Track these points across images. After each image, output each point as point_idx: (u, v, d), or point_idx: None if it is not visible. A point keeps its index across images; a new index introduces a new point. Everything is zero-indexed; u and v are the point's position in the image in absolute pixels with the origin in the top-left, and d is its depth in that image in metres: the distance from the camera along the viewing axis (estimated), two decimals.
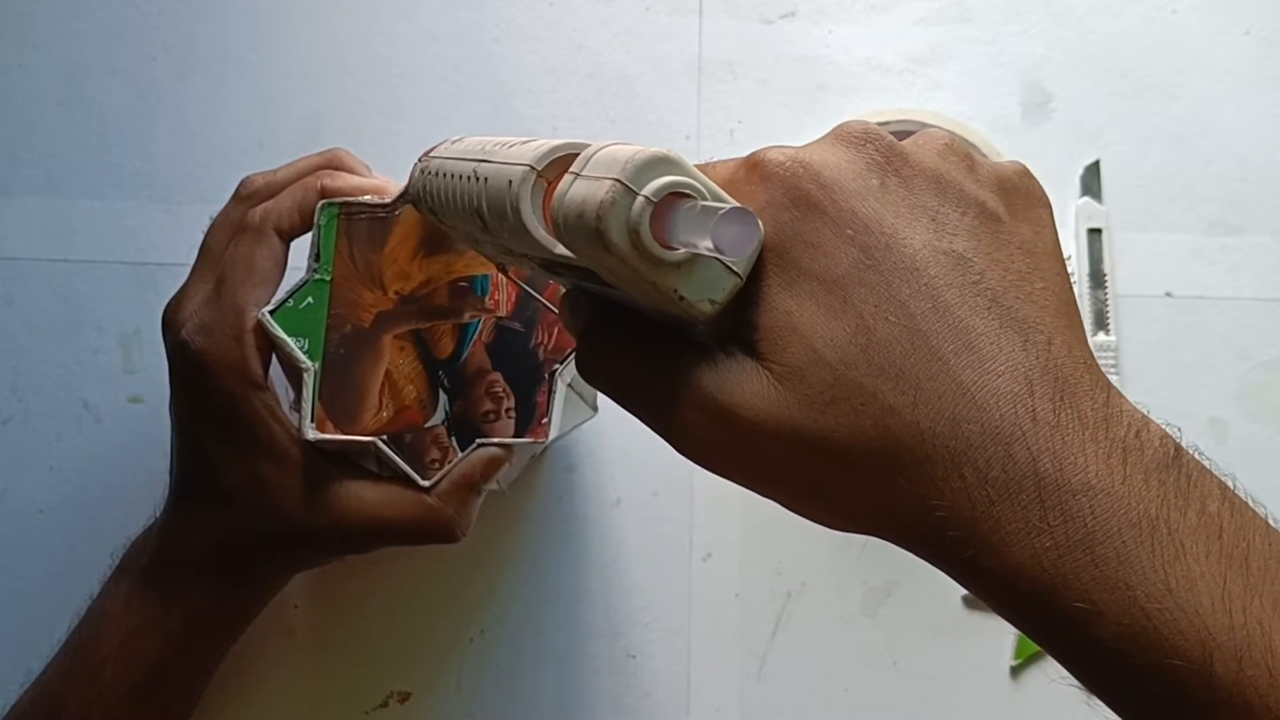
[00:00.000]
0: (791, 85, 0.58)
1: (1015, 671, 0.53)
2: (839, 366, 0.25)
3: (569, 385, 0.45)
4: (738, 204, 0.25)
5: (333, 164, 0.46)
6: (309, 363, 0.42)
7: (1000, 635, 0.53)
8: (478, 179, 0.31)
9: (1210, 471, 0.25)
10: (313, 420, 0.42)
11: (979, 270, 0.26)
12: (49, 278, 0.56)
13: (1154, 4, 0.59)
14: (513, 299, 0.44)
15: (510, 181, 0.29)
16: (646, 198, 0.25)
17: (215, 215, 0.47)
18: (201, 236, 0.46)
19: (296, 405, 0.43)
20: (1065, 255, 0.28)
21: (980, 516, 0.24)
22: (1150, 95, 0.58)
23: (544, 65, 0.59)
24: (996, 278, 0.26)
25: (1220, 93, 0.58)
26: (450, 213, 0.34)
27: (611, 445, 0.55)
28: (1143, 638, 0.22)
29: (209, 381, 0.42)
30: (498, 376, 0.44)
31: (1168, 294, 0.56)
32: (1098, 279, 0.56)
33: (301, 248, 0.45)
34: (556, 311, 0.44)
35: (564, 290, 0.33)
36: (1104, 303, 0.55)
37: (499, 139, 0.32)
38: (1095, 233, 0.56)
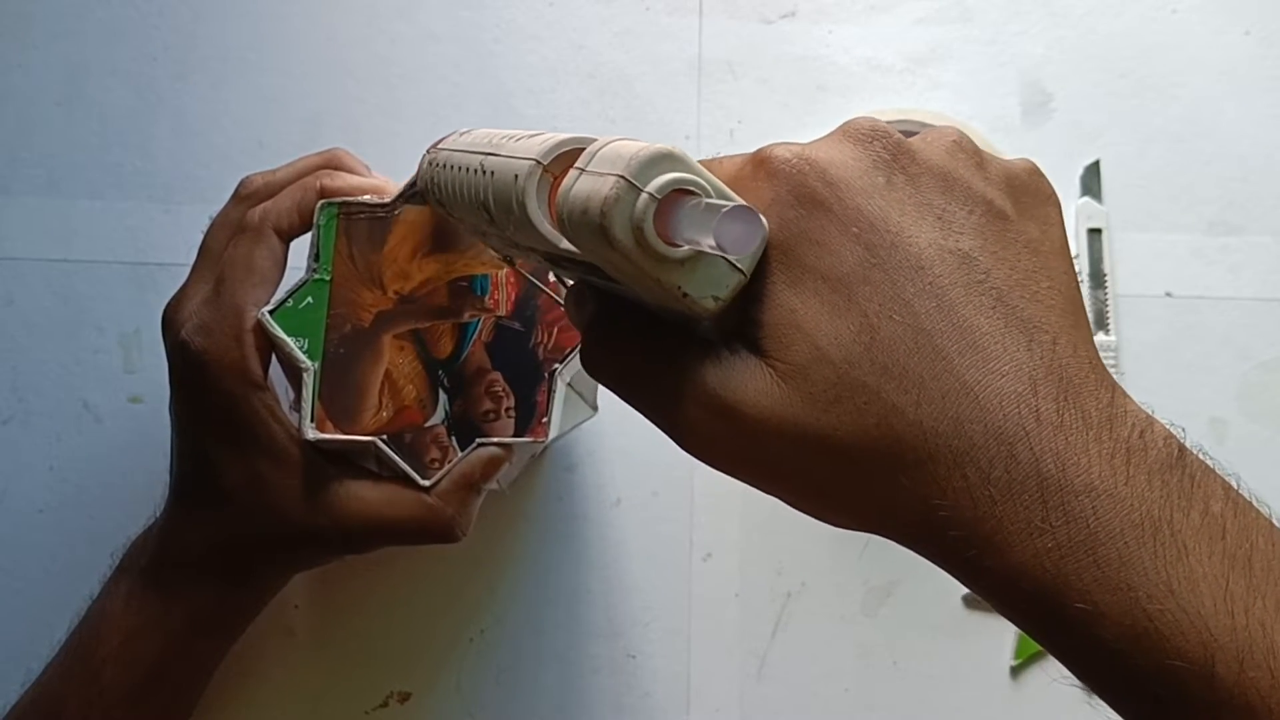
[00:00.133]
0: (791, 85, 0.58)
1: (1015, 671, 0.53)
2: (842, 365, 0.25)
3: (569, 384, 0.45)
4: (741, 202, 0.25)
5: (332, 164, 0.46)
6: (309, 362, 0.42)
7: (1000, 635, 0.53)
8: (484, 172, 0.31)
9: (1214, 472, 0.25)
10: (313, 420, 0.42)
11: (984, 269, 0.26)
12: (49, 278, 0.56)
13: (1154, 4, 0.59)
14: (512, 298, 0.44)
15: (516, 176, 0.29)
16: (651, 194, 0.25)
17: (215, 215, 0.47)
18: (201, 236, 0.46)
19: (296, 405, 0.43)
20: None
21: (982, 516, 0.24)
22: (1150, 95, 0.58)
23: (544, 65, 0.59)
24: (1002, 277, 0.26)
25: (1220, 93, 0.58)
26: (457, 205, 0.34)
27: (611, 445, 0.55)
28: (1144, 639, 0.22)
29: (209, 381, 0.42)
30: (497, 376, 0.44)
31: (1168, 294, 0.56)
32: (1098, 279, 0.56)
33: (301, 248, 0.45)
34: (562, 302, 0.44)
35: (569, 286, 0.33)
36: (1104, 303, 0.55)
37: (506, 132, 0.32)
38: (1095, 233, 0.56)
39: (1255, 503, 0.25)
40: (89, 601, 0.46)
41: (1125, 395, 0.26)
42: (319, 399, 0.42)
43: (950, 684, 0.53)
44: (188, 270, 0.46)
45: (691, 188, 0.25)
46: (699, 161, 0.30)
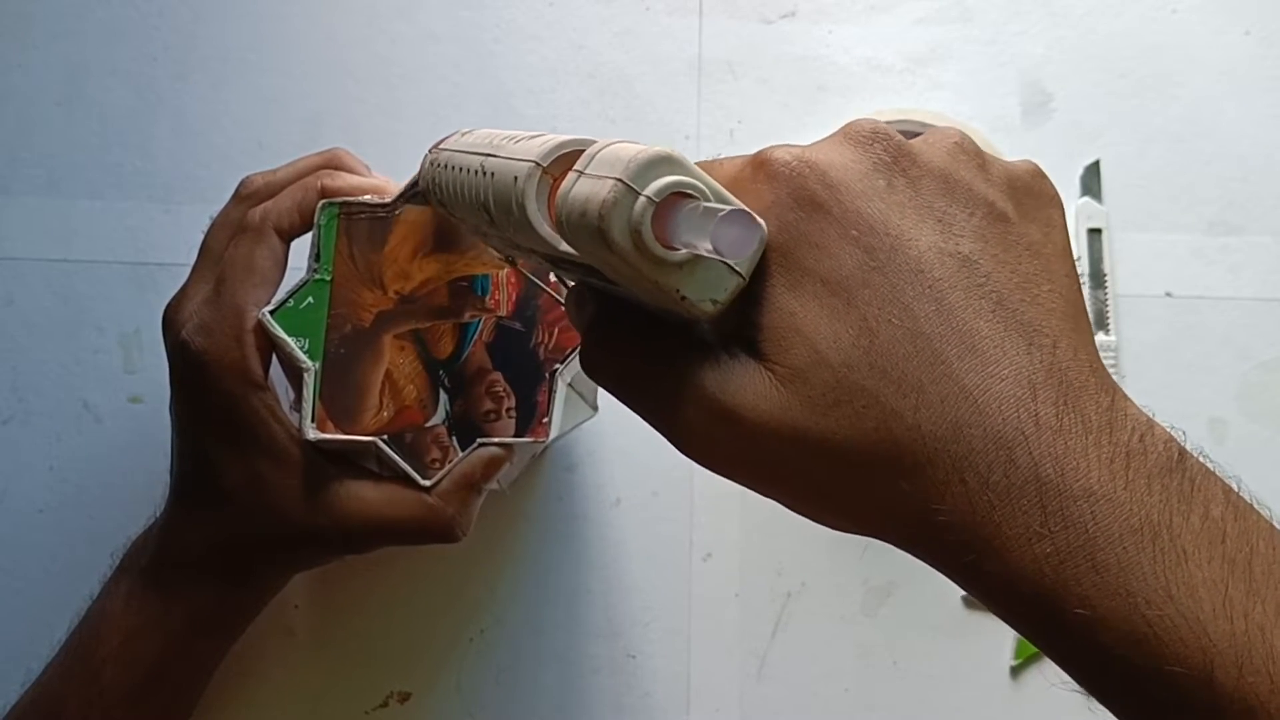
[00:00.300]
0: (791, 85, 0.58)
1: (1015, 671, 0.53)
2: (841, 369, 0.25)
3: (569, 384, 0.45)
4: (739, 205, 0.25)
5: (332, 164, 0.46)
6: (309, 363, 0.42)
7: (1000, 635, 0.53)
8: (484, 173, 0.31)
9: (1215, 475, 0.24)
10: (313, 420, 0.42)
11: (985, 272, 0.26)
12: (49, 278, 0.56)
13: (1154, 4, 0.59)
14: (513, 298, 0.44)
15: (516, 178, 0.29)
16: (648, 198, 0.25)
17: (215, 215, 0.47)
18: (201, 236, 0.46)
19: (297, 405, 0.43)
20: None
21: (981, 521, 0.24)
22: (1150, 95, 0.58)
23: (544, 65, 0.59)
24: (1003, 280, 0.26)
25: (1220, 93, 0.58)
26: (458, 205, 0.34)
27: (611, 445, 0.55)
28: (1143, 644, 0.22)
29: (209, 381, 0.42)
30: (498, 376, 0.44)
31: (1168, 294, 0.56)
32: (1098, 279, 0.56)
33: (301, 248, 0.45)
34: (563, 302, 0.44)
35: (570, 287, 0.33)
36: (1104, 303, 0.55)
37: (507, 133, 0.32)
38: (1095, 233, 0.56)
39: (1256, 505, 0.24)
40: (89, 601, 0.46)
41: (1126, 398, 0.26)
42: (319, 399, 0.42)
43: (950, 684, 0.53)
44: (188, 270, 0.46)
45: (690, 191, 0.25)
46: (698, 163, 0.30)
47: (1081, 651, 0.24)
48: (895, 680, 0.53)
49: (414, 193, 0.43)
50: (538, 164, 0.29)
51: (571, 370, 0.44)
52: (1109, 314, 0.55)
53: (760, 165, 0.28)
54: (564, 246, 0.28)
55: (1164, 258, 0.57)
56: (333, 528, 0.43)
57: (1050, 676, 0.25)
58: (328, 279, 0.43)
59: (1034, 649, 0.52)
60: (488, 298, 0.44)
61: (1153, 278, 0.56)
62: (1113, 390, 0.25)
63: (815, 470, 0.26)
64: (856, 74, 0.59)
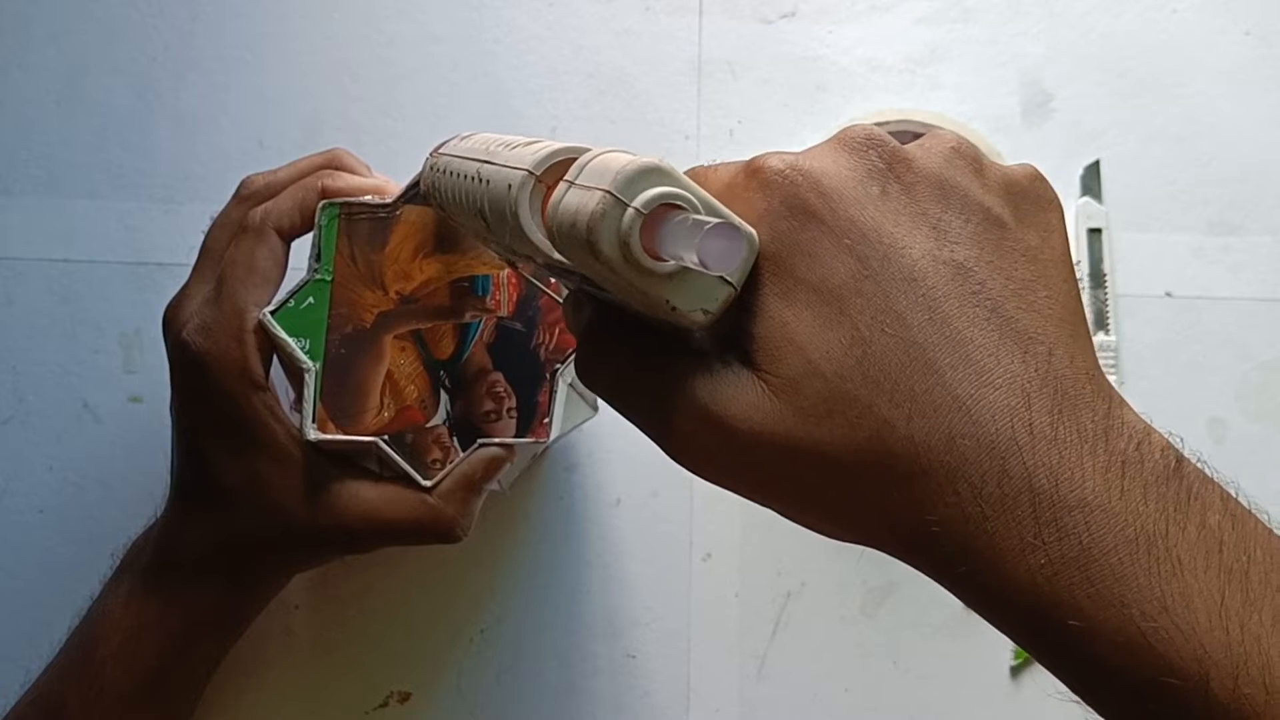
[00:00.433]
0: (791, 85, 0.58)
1: (1015, 671, 0.53)
2: (834, 379, 0.25)
3: (570, 385, 0.45)
4: (725, 219, 0.25)
5: (333, 164, 0.46)
6: (310, 363, 0.42)
7: (1000, 635, 0.53)
8: (481, 180, 0.31)
9: (1213, 482, 0.24)
10: (314, 420, 0.42)
11: (980, 280, 0.26)
12: (49, 278, 0.56)
13: (1154, 4, 0.59)
14: (514, 299, 0.44)
15: (510, 186, 0.29)
16: (636, 209, 0.25)
17: (215, 215, 0.47)
18: (201, 236, 0.46)
19: (297, 405, 0.43)
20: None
21: (974, 532, 0.24)
22: (1150, 95, 0.58)
23: (544, 65, 0.58)
24: (998, 287, 0.26)
25: (1220, 93, 0.58)
26: (457, 210, 0.34)
27: (611, 445, 0.55)
28: (1138, 656, 0.22)
29: (209, 382, 0.42)
30: (499, 376, 0.44)
31: (1168, 294, 0.56)
32: (1098, 279, 0.56)
33: (302, 248, 0.45)
34: (562, 302, 0.44)
35: (568, 292, 0.33)
36: (1104, 303, 0.55)
37: (503, 139, 0.32)
38: (1095, 233, 0.56)
39: (1255, 512, 0.24)
40: (89, 601, 0.46)
41: (1123, 405, 0.25)
42: (320, 399, 0.42)
43: (950, 684, 0.53)
44: (188, 270, 0.46)
45: (678, 202, 0.25)
46: (696, 167, 0.30)
47: (1076, 662, 0.23)
48: (895, 680, 0.53)
49: (414, 193, 0.43)
50: (530, 172, 0.29)
51: (572, 370, 0.44)
52: (1109, 314, 0.55)
53: (753, 173, 0.27)
54: (557, 255, 0.28)
55: (1164, 258, 0.57)
56: (333, 528, 0.43)
57: (1048, 682, 0.25)
58: (328, 279, 0.43)
59: None
60: (488, 298, 0.44)
61: (1153, 278, 0.56)
62: (1109, 397, 0.25)
63: (809, 480, 0.26)
64: (856, 74, 0.59)
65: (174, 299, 0.45)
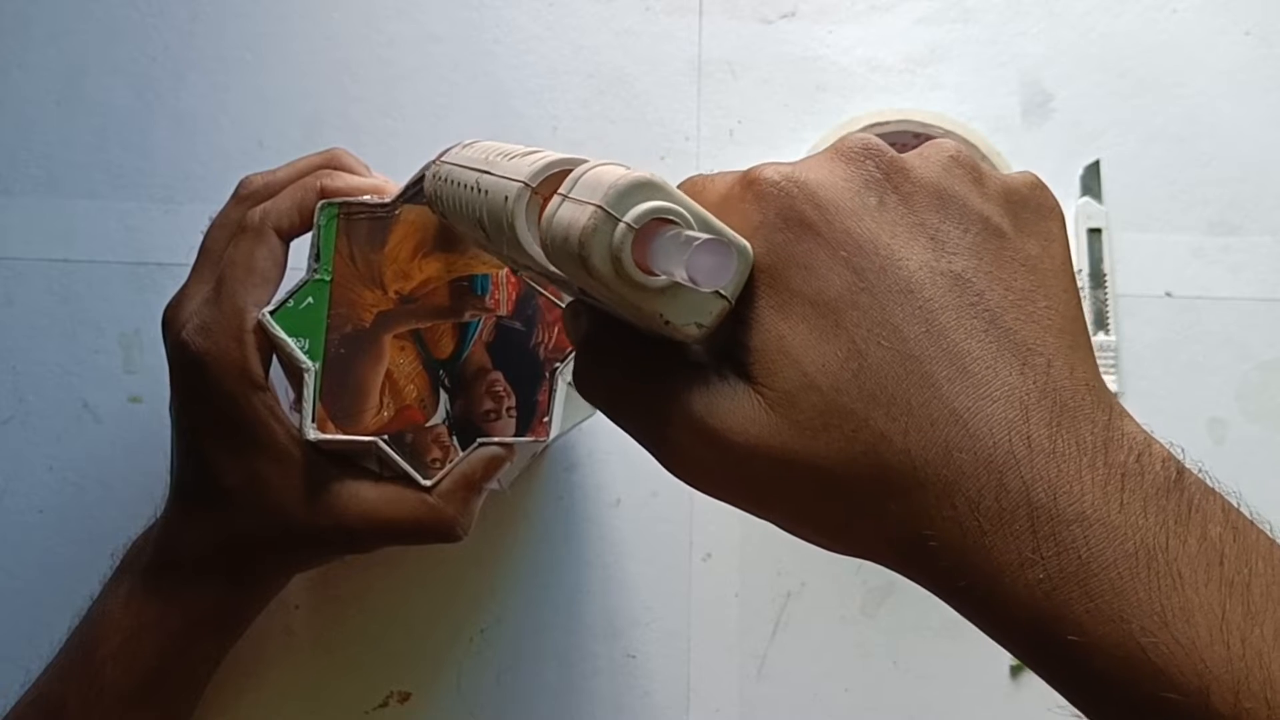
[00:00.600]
0: (791, 85, 0.58)
1: (1015, 671, 0.53)
2: (830, 392, 0.25)
3: (569, 384, 0.45)
4: (714, 235, 0.25)
5: (332, 164, 0.46)
6: (309, 363, 0.42)
7: None
8: (479, 190, 0.31)
9: (1214, 493, 0.24)
10: (313, 420, 0.42)
11: (978, 290, 0.25)
12: (49, 278, 0.56)
13: (1154, 4, 0.59)
14: (513, 298, 0.44)
15: (506, 197, 0.29)
16: (628, 224, 0.25)
17: (215, 215, 0.47)
18: (201, 236, 0.46)
19: (297, 405, 0.43)
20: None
21: (972, 547, 0.24)
22: (1150, 95, 0.58)
23: (544, 65, 0.59)
24: (996, 298, 0.25)
25: (1220, 93, 0.58)
26: (458, 219, 0.35)
27: (611, 445, 0.55)
28: (1138, 670, 0.22)
29: (209, 382, 0.42)
30: (498, 375, 0.44)
31: (1168, 294, 0.56)
32: (1098, 279, 0.56)
33: (301, 248, 0.45)
34: (561, 305, 0.44)
35: (567, 301, 0.33)
36: (1104, 303, 0.55)
37: (503, 148, 0.32)
38: (1095, 233, 0.56)
39: (1256, 522, 0.24)
40: (89, 601, 0.46)
41: (1124, 416, 0.25)
42: (320, 399, 0.42)
43: (950, 684, 0.53)
44: (188, 270, 0.46)
45: (670, 216, 0.25)
46: (693, 178, 0.30)
47: (1076, 677, 0.23)
48: (895, 680, 0.53)
49: (413, 192, 0.43)
50: (526, 184, 0.29)
51: (571, 369, 0.44)
52: (1109, 314, 0.55)
53: (749, 184, 0.27)
54: (553, 267, 0.28)
55: (1164, 258, 0.57)
56: (333, 528, 0.43)
57: (1048, 701, 0.25)
58: (327, 279, 0.43)
59: None
60: (487, 297, 0.44)
61: (1153, 278, 0.56)
62: (1110, 408, 0.25)
63: (805, 493, 0.26)
64: (856, 74, 0.59)
65: (173, 299, 0.45)
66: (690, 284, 0.24)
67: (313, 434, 0.42)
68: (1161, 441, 0.25)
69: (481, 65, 0.58)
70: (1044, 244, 0.27)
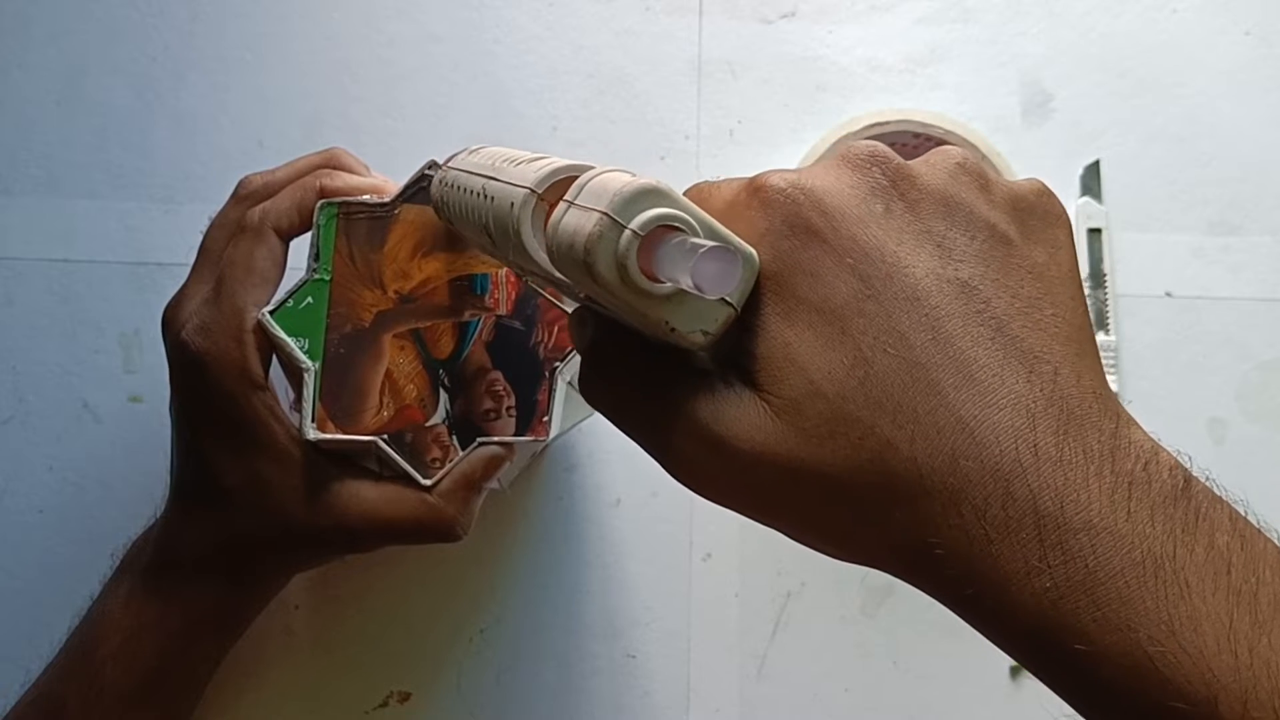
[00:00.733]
0: (791, 85, 0.58)
1: (1015, 671, 0.53)
2: (836, 399, 0.25)
3: (569, 383, 0.45)
4: (720, 242, 0.25)
5: (331, 163, 0.46)
6: (309, 363, 0.42)
7: None
8: (485, 196, 0.31)
9: (1221, 501, 0.24)
10: (313, 420, 0.42)
11: (984, 298, 0.25)
12: (49, 278, 0.56)
13: (1154, 4, 0.59)
14: (512, 297, 0.44)
15: (512, 204, 0.29)
16: (634, 231, 0.25)
17: (214, 215, 0.47)
18: (201, 236, 0.46)
19: (297, 405, 0.43)
20: None
21: (978, 555, 0.23)
22: (1150, 95, 0.58)
23: (544, 65, 0.59)
24: (1003, 305, 0.25)
25: (1220, 93, 0.58)
26: (464, 225, 0.35)
27: (611, 445, 0.55)
28: (1145, 679, 0.22)
29: (209, 382, 0.42)
30: (498, 375, 0.44)
31: (1168, 294, 0.56)
32: (1098, 279, 0.56)
33: (301, 248, 0.45)
34: (560, 305, 0.44)
35: (573, 308, 0.33)
36: (1104, 303, 0.55)
37: (509, 154, 0.32)
38: (1095, 233, 0.56)
39: (1263, 530, 0.24)
40: (89, 601, 0.46)
41: (1131, 424, 0.25)
42: (319, 399, 0.42)
43: (950, 684, 0.53)
44: (188, 270, 0.46)
45: (676, 223, 0.25)
46: (699, 185, 0.29)
47: (1082, 686, 0.23)
48: (895, 680, 0.53)
49: (412, 192, 0.43)
50: (533, 191, 0.29)
51: (571, 369, 0.44)
52: (1109, 314, 0.55)
53: (755, 191, 0.27)
54: (559, 274, 0.28)
55: (1164, 258, 0.57)
56: (333, 527, 0.43)
57: (1051, 707, 0.25)
58: (327, 279, 0.43)
59: None
60: (487, 296, 0.44)
61: (1153, 278, 0.56)
62: (1117, 416, 0.25)
63: (811, 501, 0.26)
64: (856, 74, 0.59)
65: (173, 299, 0.45)
66: (696, 291, 0.24)
67: (313, 434, 0.42)
68: (1168, 449, 0.25)
69: (481, 65, 0.58)
70: (1051, 251, 0.27)
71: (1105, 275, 0.56)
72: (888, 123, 0.55)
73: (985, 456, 0.24)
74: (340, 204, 0.44)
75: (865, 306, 0.25)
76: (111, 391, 0.55)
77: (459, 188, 0.34)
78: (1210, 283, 0.56)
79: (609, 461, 0.55)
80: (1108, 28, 0.59)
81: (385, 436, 0.43)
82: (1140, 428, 0.25)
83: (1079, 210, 0.57)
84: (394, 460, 0.42)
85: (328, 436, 0.42)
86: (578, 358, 0.44)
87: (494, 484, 0.45)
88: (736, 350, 0.27)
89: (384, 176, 0.46)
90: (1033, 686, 0.52)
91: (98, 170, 0.57)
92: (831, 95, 0.58)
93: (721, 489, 0.28)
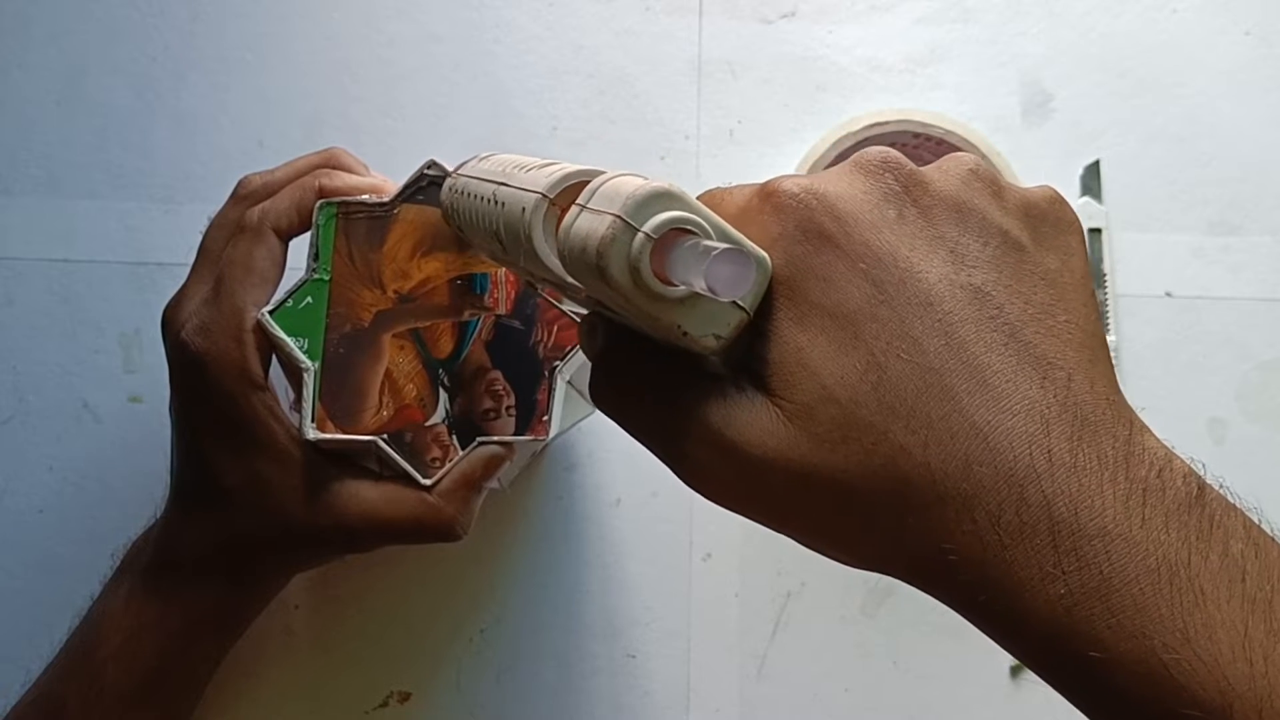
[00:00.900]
0: (791, 85, 0.58)
1: (1015, 671, 0.53)
2: (849, 404, 0.25)
3: (569, 382, 0.45)
4: (733, 244, 0.25)
5: (330, 163, 0.46)
6: (309, 362, 0.42)
7: None
8: (496, 202, 0.31)
9: (1235, 508, 0.24)
10: (313, 420, 0.42)
11: (998, 304, 0.25)
12: (49, 278, 0.56)
13: (1154, 4, 0.59)
14: (512, 297, 0.44)
15: (524, 209, 0.29)
16: (647, 234, 0.25)
17: (214, 215, 0.47)
18: (201, 236, 0.46)
19: (297, 405, 0.43)
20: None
21: (992, 561, 0.23)
22: (1150, 95, 0.58)
23: (544, 65, 0.59)
24: (1016, 311, 0.25)
25: (1220, 93, 0.58)
26: (474, 232, 0.35)
27: (611, 445, 0.55)
28: (1160, 687, 0.22)
29: (209, 382, 0.42)
30: (498, 374, 0.44)
31: (1168, 294, 0.56)
32: (1098, 279, 0.56)
33: (300, 247, 0.45)
34: (559, 305, 0.44)
35: (584, 314, 0.33)
36: (1104, 303, 0.55)
37: (519, 160, 0.32)
38: (1095, 233, 0.56)
39: (1276, 538, 0.24)
40: (90, 601, 0.46)
41: (1145, 431, 0.25)
42: (319, 399, 0.42)
43: (950, 684, 0.53)
44: (188, 270, 0.46)
45: (689, 227, 0.25)
46: (712, 190, 0.29)
47: (1096, 693, 0.23)
48: (895, 680, 0.53)
49: (412, 192, 0.43)
50: (544, 195, 0.29)
51: (571, 368, 0.44)
52: (1109, 314, 0.55)
53: (768, 196, 0.27)
54: (570, 278, 0.28)
55: (1164, 258, 0.57)
56: (333, 527, 0.43)
57: (1048, 689, 0.25)
58: (326, 279, 0.43)
59: None
60: (486, 296, 0.44)
61: (1153, 278, 0.56)
62: (1131, 423, 0.25)
63: (823, 507, 0.26)
64: (856, 74, 0.59)
65: (172, 299, 0.45)
66: (709, 294, 0.24)
67: (312, 434, 0.42)
68: (1182, 457, 0.25)
69: (481, 65, 0.58)
70: (1063, 258, 0.27)
71: (1105, 275, 0.56)
72: (888, 123, 0.55)
73: (999, 462, 0.24)
74: (339, 204, 0.44)
75: (878, 311, 0.25)
76: (111, 391, 0.55)
77: (469, 194, 0.34)
78: (1210, 283, 0.56)
79: (609, 461, 0.55)
80: (1108, 28, 0.59)
81: (385, 436, 0.43)
82: (1154, 434, 0.25)
83: (1079, 210, 0.56)
84: (394, 460, 0.42)
85: (327, 436, 0.42)
86: (577, 357, 0.44)
87: (494, 483, 0.45)
88: (748, 355, 0.27)
89: (383, 176, 0.46)
90: (1033, 686, 0.52)
91: (98, 170, 0.57)
92: (831, 95, 0.58)
93: (733, 495, 0.28)
